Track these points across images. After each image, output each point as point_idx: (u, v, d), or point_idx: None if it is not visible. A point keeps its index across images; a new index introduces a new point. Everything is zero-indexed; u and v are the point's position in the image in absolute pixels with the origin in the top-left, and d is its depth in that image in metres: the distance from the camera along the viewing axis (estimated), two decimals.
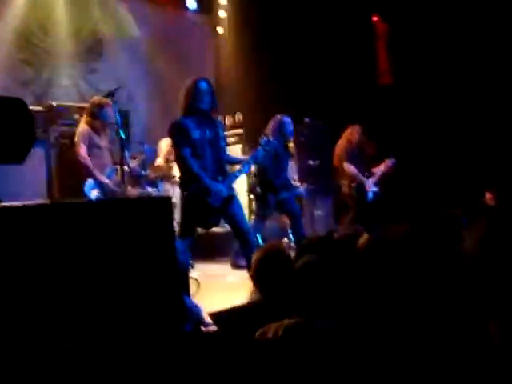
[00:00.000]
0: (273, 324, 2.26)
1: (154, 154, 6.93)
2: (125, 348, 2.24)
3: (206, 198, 4.48)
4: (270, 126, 6.00)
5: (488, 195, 5.95)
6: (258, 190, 5.99)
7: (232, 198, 4.64)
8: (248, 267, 4.61)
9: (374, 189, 6.59)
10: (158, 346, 2.42)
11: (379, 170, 6.65)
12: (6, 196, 2.75)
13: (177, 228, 4.65)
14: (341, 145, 6.68)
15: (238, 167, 4.93)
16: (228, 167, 4.91)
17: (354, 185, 6.52)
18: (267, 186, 5.91)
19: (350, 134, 6.68)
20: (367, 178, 6.56)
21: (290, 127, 6.04)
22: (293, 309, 2.31)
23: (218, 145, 4.65)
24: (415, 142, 6.88)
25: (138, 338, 2.35)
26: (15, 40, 7.23)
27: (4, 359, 2.13)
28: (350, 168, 6.49)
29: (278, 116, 6.06)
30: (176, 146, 4.61)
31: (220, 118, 8.72)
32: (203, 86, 4.57)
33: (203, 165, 4.53)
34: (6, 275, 2.23)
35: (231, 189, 4.67)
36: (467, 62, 7.33)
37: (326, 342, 2.11)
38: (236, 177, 4.81)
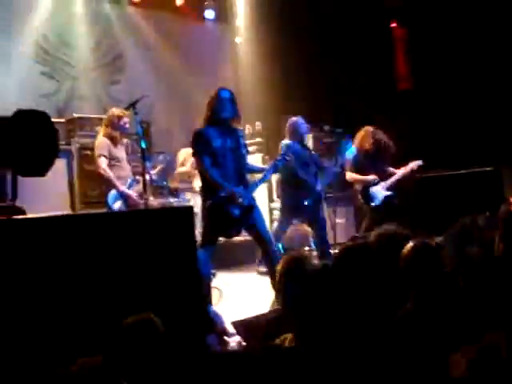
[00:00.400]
0: (289, 334, 2.25)
1: (172, 163, 6.95)
2: (149, 359, 2.24)
3: (227, 208, 4.48)
4: (286, 130, 6.04)
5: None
6: (287, 191, 5.99)
7: (253, 207, 4.63)
8: (270, 276, 4.61)
9: (386, 193, 6.33)
10: (183, 357, 2.42)
11: (397, 173, 6.39)
12: (29, 207, 2.78)
13: (198, 237, 4.65)
14: (363, 148, 6.38)
15: (258, 176, 4.92)
16: (249, 176, 4.91)
17: (360, 190, 6.34)
18: (300, 187, 5.90)
19: (363, 138, 6.38)
20: (384, 180, 6.41)
21: (304, 128, 6.04)
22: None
23: (239, 153, 4.63)
24: (435, 147, 6.80)
25: (161, 348, 2.34)
26: (36, 53, 7.32)
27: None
28: (351, 176, 6.32)
29: (292, 118, 6.08)
30: (197, 155, 4.63)
31: (240, 127, 8.75)
32: (225, 94, 4.59)
33: (224, 173, 4.51)
34: (32, 284, 2.24)
35: (252, 198, 4.66)
36: (486, 66, 7.29)
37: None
38: (257, 186, 4.80)
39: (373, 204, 6.28)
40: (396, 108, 7.59)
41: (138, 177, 5.45)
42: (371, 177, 6.27)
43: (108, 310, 2.41)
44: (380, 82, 8.18)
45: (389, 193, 6.34)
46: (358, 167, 6.32)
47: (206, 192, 4.66)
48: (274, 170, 4.95)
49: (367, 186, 6.31)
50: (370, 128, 6.41)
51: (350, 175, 6.36)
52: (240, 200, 4.48)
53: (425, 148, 6.52)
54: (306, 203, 5.80)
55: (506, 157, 6.76)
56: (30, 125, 2.31)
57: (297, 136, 5.95)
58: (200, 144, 4.53)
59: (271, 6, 8.64)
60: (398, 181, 6.40)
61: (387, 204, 6.30)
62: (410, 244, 2.65)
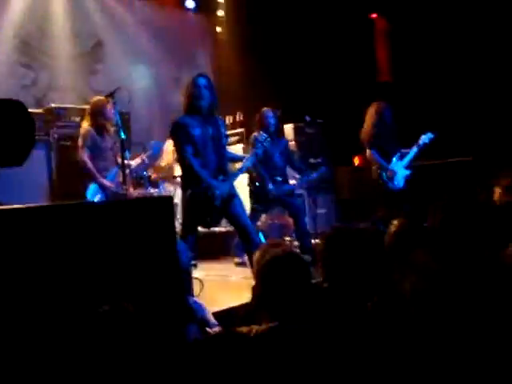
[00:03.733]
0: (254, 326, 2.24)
1: (159, 153, 6.89)
2: (128, 349, 2.23)
3: (207, 197, 4.47)
4: (257, 120, 6.07)
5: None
6: (256, 184, 5.99)
7: (233, 196, 4.63)
8: (251, 265, 4.62)
9: (406, 172, 6.24)
10: (162, 347, 2.42)
11: (411, 150, 6.29)
12: (7, 198, 2.75)
13: (178, 228, 4.64)
14: (369, 123, 6.28)
15: (238, 165, 4.92)
16: (229, 165, 4.90)
17: (379, 171, 6.19)
18: (263, 180, 5.92)
19: (379, 108, 6.27)
20: (400, 159, 6.28)
21: (272, 119, 6.06)
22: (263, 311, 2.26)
23: (220, 143, 4.62)
24: (414, 138, 6.81)
25: (141, 340, 2.33)
26: (14, 43, 7.22)
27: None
28: (373, 156, 6.19)
29: (262, 109, 6.10)
30: (177, 144, 4.60)
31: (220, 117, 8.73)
32: (202, 82, 4.53)
33: (204, 163, 4.51)
34: (7, 277, 2.22)
35: (232, 187, 4.65)
36: (467, 57, 7.34)
37: (299, 343, 2.07)
38: (237, 175, 4.81)
39: (392, 185, 6.20)
40: (376, 99, 7.60)
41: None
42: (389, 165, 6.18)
43: (86, 300, 2.39)
44: (360, 73, 8.19)
45: (408, 172, 6.27)
46: (380, 139, 6.17)
47: (186, 181, 4.64)
48: (254, 159, 4.95)
49: (386, 169, 6.19)
50: (384, 102, 6.32)
51: (370, 154, 6.23)
52: (217, 193, 4.45)
53: (404, 139, 6.52)
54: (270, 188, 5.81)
55: (485, 147, 6.83)
56: (5, 114, 2.28)
57: (263, 128, 5.97)
58: (179, 133, 4.50)
59: None
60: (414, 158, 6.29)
61: (406, 184, 6.21)
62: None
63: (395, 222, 2.93)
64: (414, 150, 6.26)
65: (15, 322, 2.20)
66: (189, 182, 4.57)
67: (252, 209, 6.03)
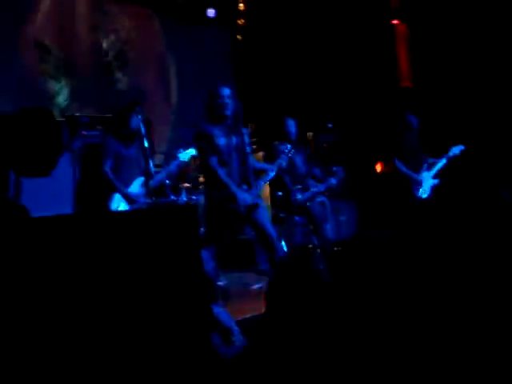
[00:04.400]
0: None
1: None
2: (152, 358, 2.23)
3: (230, 205, 4.47)
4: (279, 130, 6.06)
5: None
6: (279, 193, 5.98)
7: (257, 205, 4.62)
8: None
9: (433, 182, 6.24)
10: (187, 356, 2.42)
11: (440, 160, 6.28)
12: (31, 207, 2.76)
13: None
14: (395, 134, 6.36)
15: (263, 175, 4.92)
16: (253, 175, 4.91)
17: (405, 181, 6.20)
18: (286, 190, 5.91)
19: (405, 121, 6.32)
20: (428, 169, 6.31)
21: (293, 128, 6.04)
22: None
23: (244, 152, 4.62)
24: (436, 144, 6.76)
25: (165, 349, 2.34)
26: (37, 53, 7.29)
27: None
28: (398, 166, 6.22)
29: (283, 118, 6.09)
30: (201, 153, 4.61)
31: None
32: (225, 92, 4.57)
33: (229, 172, 4.53)
34: (36, 285, 2.23)
35: (256, 196, 4.65)
36: (488, 62, 7.27)
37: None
38: (261, 184, 4.81)
39: (420, 196, 6.18)
40: (398, 105, 7.57)
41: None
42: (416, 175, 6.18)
43: (112, 310, 2.40)
44: (382, 79, 8.16)
45: (435, 181, 6.24)
46: (408, 150, 6.19)
47: (210, 189, 4.64)
48: (278, 168, 4.94)
49: (413, 179, 6.20)
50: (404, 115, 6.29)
51: (397, 165, 6.25)
52: (241, 203, 4.46)
53: (426, 145, 6.48)
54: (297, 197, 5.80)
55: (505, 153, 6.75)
56: (34, 123, 2.30)
57: (286, 135, 5.96)
58: (203, 143, 4.50)
59: (273, 4, 8.62)
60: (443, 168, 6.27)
61: (432, 194, 6.18)
62: None
63: None
64: (443, 161, 6.25)
65: (36, 328, 2.21)
66: (212, 190, 4.57)
67: (275, 217, 6.01)
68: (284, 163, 4.89)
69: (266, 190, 7.33)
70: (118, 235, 2.52)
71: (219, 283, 4.89)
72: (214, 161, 4.48)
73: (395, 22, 8.73)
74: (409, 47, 8.64)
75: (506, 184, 5.69)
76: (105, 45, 8.01)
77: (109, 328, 2.32)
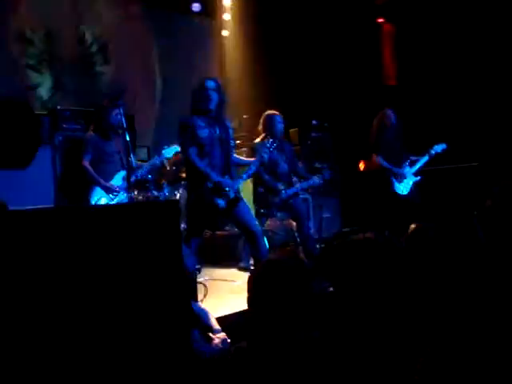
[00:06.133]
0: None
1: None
2: (131, 355, 2.20)
3: (212, 199, 4.45)
4: (262, 125, 5.97)
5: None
6: (260, 189, 5.94)
7: (238, 200, 4.61)
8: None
9: (414, 179, 6.26)
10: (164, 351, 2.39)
11: (422, 158, 6.32)
12: (11, 201, 2.72)
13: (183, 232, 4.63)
14: (374, 130, 6.36)
15: (244, 170, 4.91)
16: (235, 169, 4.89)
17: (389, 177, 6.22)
18: (269, 186, 5.87)
19: (384, 117, 6.34)
20: (410, 166, 6.30)
21: (279, 124, 5.97)
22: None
23: (227, 144, 4.63)
24: (420, 142, 6.78)
25: (144, 345, 2.31)
26: (20, 45, 7.21)
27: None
28: (380, 162, 6.23)
29: (267, 113, 6.00)
30: (182, 145, 4.59)
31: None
32: (210, 84, 4.56)
33: (211, 164, 4.52)
34: (12, 280, 2.19)
35: (238, 191, 4.63)
36: (473, 61, 7.31)
37: (310, 352, 2.03)
38: (243, 179, 4.80)
39: (399, 192, 6.19)
40: (382, 103, 7.58)
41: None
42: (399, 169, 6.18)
43: (89, 304, 2.37)
44: (367, 77, 8.18)
45: (416, 179, 6.25)
46: (386, 146, 6.19)
47: (191, 183, 4.62)
48: (260, 163, 4.92)
49: (394, 173, 6.21)
50: (389, 110, 6.34)
51: (377, 159, 6.26)
52: (227, 190, 4.45)
53: (410, 143, 6.50)
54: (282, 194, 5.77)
55: (490, 153, 6.80)
56: (11, 115, 2.26)
57: (271, 131, 5.89)
58: (186, 134, 4.48)
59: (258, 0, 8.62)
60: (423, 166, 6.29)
61: (413, 192, 6.19)
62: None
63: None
64: (425, 158, 6.28)
65: (16, 325, 2.18)
66: (194, 183, 4.55)
67: (256, 213, 5.99)
68: (266, 157, 4.86)
69: (249, 185, 7.33)
70: (96, 229, 2.49)
71: (200, 279, 4.86)
72: (193, 152, 4.45)
73: (381, 20, 8.75)
74: (394, 45, 8.67)
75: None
76: (88, 37, 7.94)
77: (86, 324, 2.28)
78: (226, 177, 4.58)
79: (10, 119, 2.25)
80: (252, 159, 5.07)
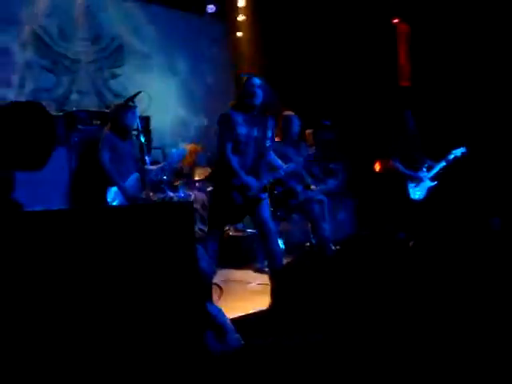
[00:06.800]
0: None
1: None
2: (146, 356, 2.20)
3: (232, 194, 4.52)
4: (281, 125, 5.96)
5: None
6: (278, 190, 5.93)
7: (261, 199, 4.67)
8: (270, 269, 4.63)
9: (430, 184, 6.20)
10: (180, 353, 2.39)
11: (440, 162, 6.26)
12: (27, 201, 2.74)
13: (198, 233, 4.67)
14: (392, 132, 6.33)
15: (273, 171, 4.99)
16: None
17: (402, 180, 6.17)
18: (285, 188, 5.86)
19: (401, 122, 6.29)
20: (427, 170, 6.26)
21: (297, 127, 5.95)
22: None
23: (262, 144, 4.66)
24: (435, 143, 6.74)
25: (158, 345, 2.31)
26: (36, 47, 7.26)
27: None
28: (395, 166, 6.17)
29: (284, 113, 5.99)
30: (220, 137, 4.61)
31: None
32: (256, 81, 4.59)
33: (243, 162, 4.57)
34: (27, 280, 2.21)
35: (263, 189, 4.69)
36: (488, 62, 7.25)
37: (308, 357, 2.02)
38: (268, 181, 4.84)
39: (415, 197, 6.14)
40: (396, 104, 7.55)
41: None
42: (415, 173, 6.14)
43: (105, 306, 2.37)
44: (382, 78, 8.14)
45: (433, 183, 6.19)
46: (404, 150, 6.14)
47: (218, 176, 4.72)
48: (289, 169, 5.03)
49: (410, 177, 6.17)
50: (408, 111, 6.27)
51: (392, 164, 6.22)
52: (250, 192, 4.51)
53: (425, 143, 6.45)
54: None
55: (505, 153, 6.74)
56: (26, 117, 2.27)
57: (288, 133, 5.90)
58: (224, 127, 4.53)
59: (272, 0, 8.60)
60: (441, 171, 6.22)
61: (428, 196, 6.14)
62: None
63: None
64: (443, 163, 6.21)
65: (27, 326, 2.19)
66: (221, 177, 4.64)
67: (273, 215, 5.99)
68: (300, 167, 5.02)
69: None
70: (112, 231, 2.49)
71: (215, 280, 4.86)
72: (228, 147, 4.50)
73: (396, 20, 8.70)
74: (409, 46, 8.62)
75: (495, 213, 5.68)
76: (104, 38, 7.97)
77: (101, 324, 2.29)
78: (254, 179, 4.61)
79: (25, 121, 2.27)
80: (284, 164, 5.08)
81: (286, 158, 5.78)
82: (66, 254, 2.30)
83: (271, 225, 4.73)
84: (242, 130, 4.54)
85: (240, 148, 4.55)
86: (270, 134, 4.74)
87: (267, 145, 4.71)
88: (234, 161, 4.50)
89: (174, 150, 6.07)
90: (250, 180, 4.55)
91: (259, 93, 4.55)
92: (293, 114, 5.95)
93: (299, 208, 5.96)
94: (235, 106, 4.63)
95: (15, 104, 2.28)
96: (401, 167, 6.14)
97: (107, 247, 2.44)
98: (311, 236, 6.37)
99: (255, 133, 4.61)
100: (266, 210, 4.74)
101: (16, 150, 2.22)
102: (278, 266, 4.56)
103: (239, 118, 4.55)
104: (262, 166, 4.71)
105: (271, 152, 4.90)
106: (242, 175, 4.49)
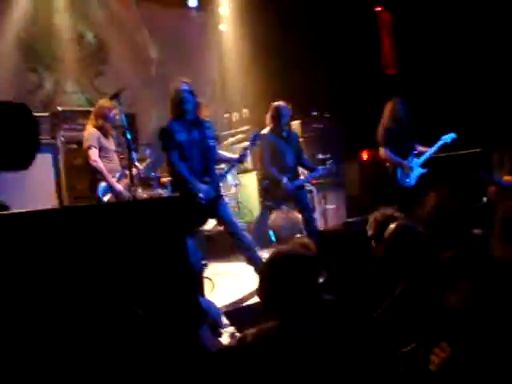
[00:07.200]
0: (250, 330, 2.20)
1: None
2: (139, 352, 2.20)
3: (195, 198, 4.58)
4: (270, 116, 5.96)
5: (491, 189, 5.81)
6: (266, 183, 5.93)
7: (219, 197, 4.77)
8: (249, 264, 4.67)
9: (421, 170, 6.19)
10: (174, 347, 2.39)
11: (429, 149, 6.24)
12: (14, 202, 2.72)
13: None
14: (383, 123, 6.25)
15: (225, 167, 5.15)
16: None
17: (394, 168, 6.16)
18: (273, 178, 5.85)
19: (392, 108, 6.24)
20: (417, 157, 6.22)
21: (287, 117, 5.93)
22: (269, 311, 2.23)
23: (205, 146, 4.75)
24: (422, 131, 6.75)
25: (153, 341, 2.30)
26: (19, 47, 7.20)
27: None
28: (386, 153, 6.15)
29: (275, 104, 5.98)
30: (164, 149, 4.75)
31: (227, 115, 8.70)
32: (184, 87, 4.71)
33: (191, 166, 4.66)
34: (17, 281, 2.20)
35: (218, 189, 4.79)
36: (472, 49, 7.28)
37: (307, 344, 2.03)
38: (223, 176, 5.00)
39: (406, 184, 6.16)
40: (382, 92, 7.56)
41: (126, 170, 5.41)
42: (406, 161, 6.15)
43: (96, 303, 2.37)
44: (366, 66, 8.14)
45: (424, 170, 6.20)
46: (394, 139, 6.12)
47: (175, 184, 4.83)
48: (241, 159, 5.04)
49: (400, 164, 6.16)
50: (398, 98, 6.26)
51: (383, 152, 6.20)
52: (201, 196, 4.59)
53: (414, 130, 6.46)
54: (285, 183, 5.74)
55: (492, 139, 6.76)
56: (9, 117, 2.25)
57: (279, 123, 5.88)
58: (165, 139, 4.66)
59: None
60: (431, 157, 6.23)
61: (421, 183, 6.14)
62: (393, 225, 2.61)
63: (391, 226, 2.83)
64: (433, 149, 6.23)
65: (21, 324, 2.18)
66: (177, 185, 4.76)
67: (263, 206, 5.99)
68: (247, 154, 5.02)
69: (253, 179, 7.33)
70: (102, 227, 2.49)
71: (206, 274, 4.86)
72: (174, 156, 4.62)
73: (379, 8, 8.71)
74: (393, 34, 8.63)
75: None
76: (86, 36, 7.92)
77: (94, 320, 2.29)
78: (206, 178, 4.71)
79: (8, 121, 2.25)
80: (234, 156, 5.19)
81: (276, 149, 5.81)
82: (57, 252, 2.30)
83: (233, 221, 4.86)
84: (182, 136, 4.65)
85: (184, 154, 4.65)
86: (209, 133, 4.83)
87: (211, 144, 4.80)
88: (182, 168, 4.61)
89: (147, 150, 6.12)
90: (200, 185, 4.64)
91: (188, 98, 4.68)
92: (283, 103, 5.92)
93: (289, 198, 5.95)
94: (171, 114, 4.75)
95: None
96: (393, 155, 6.14)
97: (98, 244, 2.44)
98: (301, 227, 6.36)
99: (195, 136, 4.72)
100: (225, 209, 4.87)
101: (1, 150, 2.20)
102: (254, 259, 4.64)
103: (176, 126, 4.67)
104: (212, 167, 4.83)
105: (217, 150, 5.02)
106: (191, 180, 4.59)
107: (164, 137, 4.68)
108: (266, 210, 5.95)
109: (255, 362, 2.03)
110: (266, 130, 5.88)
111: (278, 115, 5.85)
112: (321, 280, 2.43)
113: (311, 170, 6.07)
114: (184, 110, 4.67)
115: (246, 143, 5.08)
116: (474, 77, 7.22)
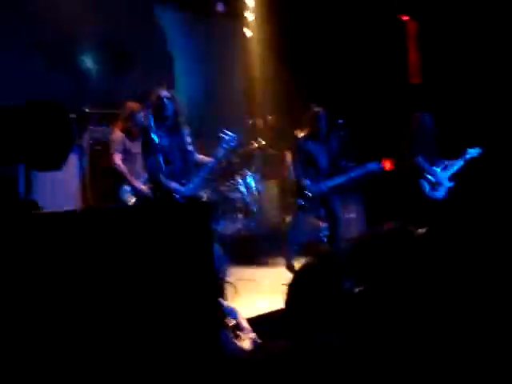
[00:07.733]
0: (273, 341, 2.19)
1: None
2: (161, 352, 2.20)
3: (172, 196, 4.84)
4: (307, 120, 5.96)
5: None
6: (303, 182, 5.88)
7: (198, 197, 4.99)
8: None
9: (449, 184, 6.16)
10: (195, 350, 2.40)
11: (456, 162, 6.22)
12: (41, 201, 2.75)
13: None
14: (410, 133, 6.30)
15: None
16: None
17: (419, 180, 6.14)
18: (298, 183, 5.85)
19: (420, 121, 6.27)
20: (443, 170, 6.17)
21: (324, 123, 5.93)
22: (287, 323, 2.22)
23: (185, 150, 5.01)
24: (446, 140, 6.70)
25: (174, 343, 2.31)
26: (46, 48, 7.25)
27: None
28: (420, 163, 6.10)
29: (313, 109, 5.98)
30: (144, 156, 4.93)
31: (251, 120, 8.70)
32: (163, 94, 4.93)
33: (172, 170, 4.88)
34: (46, 279, 2.22)
35: (198, 189, 5.02)
36: (498, 59, 7.22)
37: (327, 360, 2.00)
38: (201, 177, 5.08)
39: (434, 197, 6.12)
40: (407, 101, 7.53)
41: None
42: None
43: (122, 304, 2.38)
44: (391, 76, 8.11)
45: (451, 183, 6.17)
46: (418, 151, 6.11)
47: (154, 186, 4.99)
48: (215, 162, 5.16)
49: (430, 174, 6.12)
50: (418, 114, 6.28)
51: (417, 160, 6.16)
52: (178, 196, 4.84)
53: (438, 141, 6.42)
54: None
55: None
56: (43, 117, 2.28)
57: (315, 129, 5.88)
58: (148, 145, 4.81)
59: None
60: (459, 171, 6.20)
61: (447, 196, 6.11)
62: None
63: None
64: (460, 163, 6.19)
65: (48, 322, 2.20)
66: (155, 186, 4.93)
67: (298, 206, 5.91)
68: (220, 155, 5.10)
69: (273, 187, 7.34)
70: (127, 230, 2.50)
71: (229, 280, 4.86)
72: (153, 160, 4.76)
73: (405, 18, 8.68)
74: (419, 43, 8.59)
75: None
76: (115, 38, 7.96)
77: (119, 322, 2.30)
78: (183, 180, 4.94)
79: (45, 121, 2.27)
80: (209, 159, 5.24)
81: (314, 155, 5.80)
82: (86, 253, 2.31)
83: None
84: (165, 141, 4.85)
85: (168, 159, 4.86)
86: (187, 139, 5.06)
87: (189, 149, 5.04)
88: (157, 173, 4.79)
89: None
90: (173, 185, 4.87)
91: (168, 104, 4.90)
92: (320, 109, 5.93)
93: (323, 202, 5.90)
94: (155, 121, 4.87)
95: (30, 103, 2.28)
96: (426, 165, 6.09)
97: (124, 246, 2.45)
98: (321, 234, 6.30)
99: (176, 142, 4.96)
100: None
101: (34, 149, 2.22)
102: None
103: (161, 132, 4.84)
104: (191, 170, 5.05)
105: (195, 154, 5.16)
106: (163, 182, 4.81)
107: (145, 146, 4.88)
108: (302, 209, 5.87)
109: (274, 375, 2.02)
110: (302, 134, 5.88)
111: (315, 119, 5.88)
112: (356, 290, 2.41)
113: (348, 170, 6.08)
114: (164, 116, 4.91)
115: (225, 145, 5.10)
116: (499, 86, 7.16)
